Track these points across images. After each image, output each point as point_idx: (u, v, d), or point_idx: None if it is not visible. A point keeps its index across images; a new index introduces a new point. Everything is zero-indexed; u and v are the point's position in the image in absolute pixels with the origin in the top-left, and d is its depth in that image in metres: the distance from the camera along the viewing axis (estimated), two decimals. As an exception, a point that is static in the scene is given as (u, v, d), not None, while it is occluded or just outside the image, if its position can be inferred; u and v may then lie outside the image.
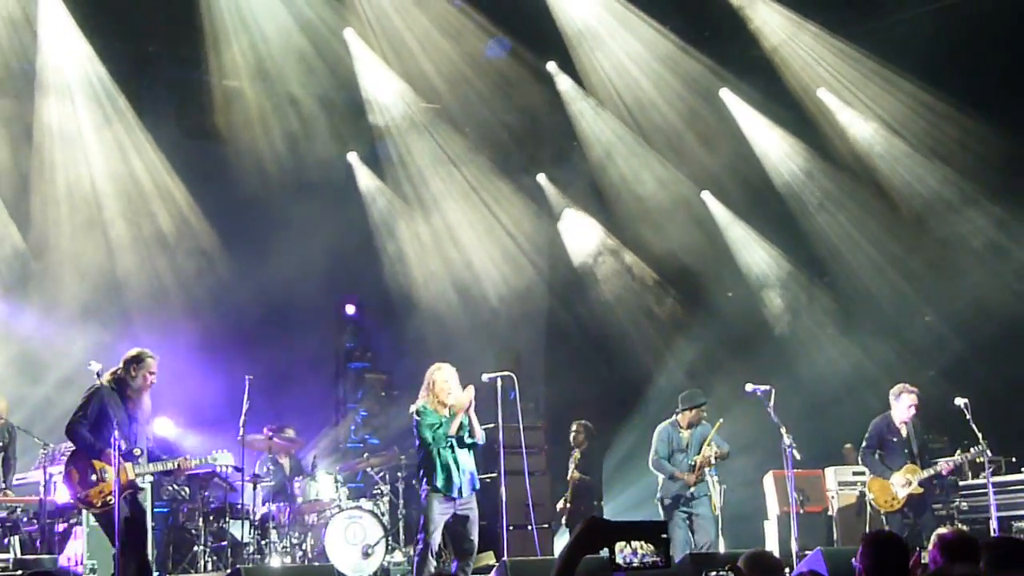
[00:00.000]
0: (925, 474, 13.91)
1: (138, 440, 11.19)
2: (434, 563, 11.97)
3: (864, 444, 14.33)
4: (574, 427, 16.23)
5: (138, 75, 17.48)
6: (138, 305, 17.25)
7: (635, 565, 4.27)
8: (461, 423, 12.18)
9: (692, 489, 13.95)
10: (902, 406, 14.20)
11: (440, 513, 11.97)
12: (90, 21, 16.63)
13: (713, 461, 14.05)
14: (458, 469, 12.08)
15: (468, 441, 12.26)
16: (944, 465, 14.04)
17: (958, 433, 15.08)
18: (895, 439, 14.17)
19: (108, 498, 10.77)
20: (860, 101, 18.71)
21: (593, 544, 4.39)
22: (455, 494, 12.01)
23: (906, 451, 14.09)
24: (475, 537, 12.14)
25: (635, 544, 4.28)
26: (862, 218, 19.22)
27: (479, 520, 12.30)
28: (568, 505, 15.86)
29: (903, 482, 13.91)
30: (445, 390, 12.28)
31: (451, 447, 12.12)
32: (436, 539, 11.96)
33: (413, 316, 19.15)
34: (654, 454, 14.34)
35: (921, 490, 13.90)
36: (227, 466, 12.06)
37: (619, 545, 4.30)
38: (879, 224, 19.04)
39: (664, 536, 4.33)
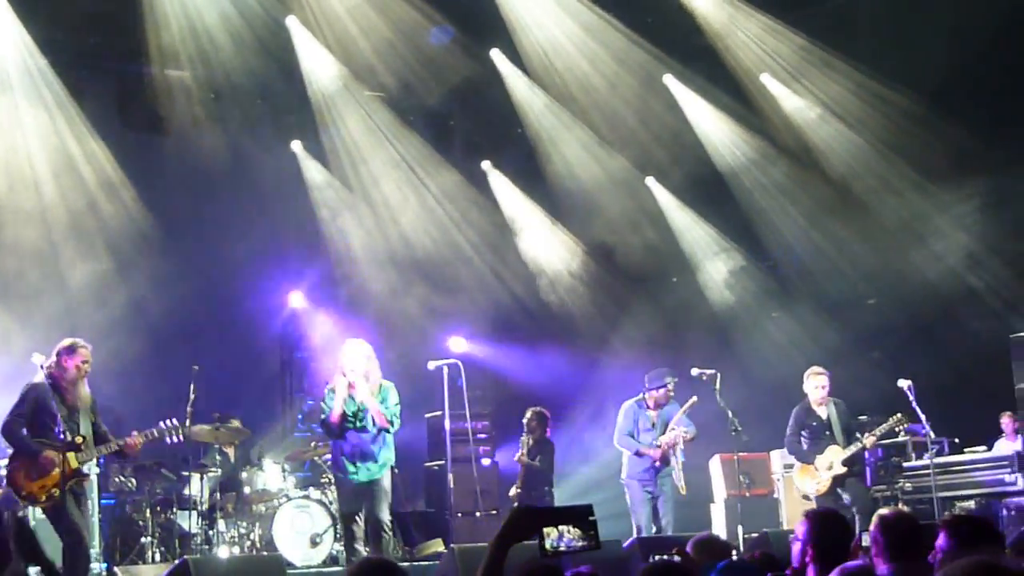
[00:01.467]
0: (847, 453, 13.79)
1: (80, 428, 11.17)
2: (362, 549, 11.99)
3: (787, 433, 14.22)
4: (528, 413, 16.27)
5: (78, 67, 17.30)
6: (80, 298, 17.11)
7: (561, 549, 4.31)
8: (351, 410, 12.19)
9: (657, 468, 13.99)
10: (811, 388, 14.12)
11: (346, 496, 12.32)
12: (29, 12, 16.47)
13: (680, 443, 14.08)
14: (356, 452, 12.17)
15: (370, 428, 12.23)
16: (868, 439, 13.86)
17: (903, 415, 15.24)
18: (815, 423, 14.08)
19: (53, 491, 10.75)
20: (803, 86, 18.80)
21: (521, 531, 4.43)
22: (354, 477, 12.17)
23: (827, 433, 13.99)
24: (381, 517, 12.07)
25: (563, 528, 4.32)
26: (805, 203, 19.33)
27: (429, 507, 12.40)
28: (519, 491, 15.93)
29: (827, 464, 13.84)
30: (346, 367, 12.25)
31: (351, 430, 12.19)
32: (353, 525, 12.14)
33: (358, 304, 19.11)
34: (618, 431, 14.36)
35: (844, 469, 13.78)
36: (173, 428, 11.93)
37: (547, 531, 4.34)
38: (822, 208, 19.16)
39: (592, 519, 4.37)
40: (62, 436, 10.89)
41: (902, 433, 15.55)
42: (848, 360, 17.74)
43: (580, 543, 4.34)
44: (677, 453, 14.23)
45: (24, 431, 10.99)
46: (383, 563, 4.81)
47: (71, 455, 10.91)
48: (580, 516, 4.37)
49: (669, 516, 14.10)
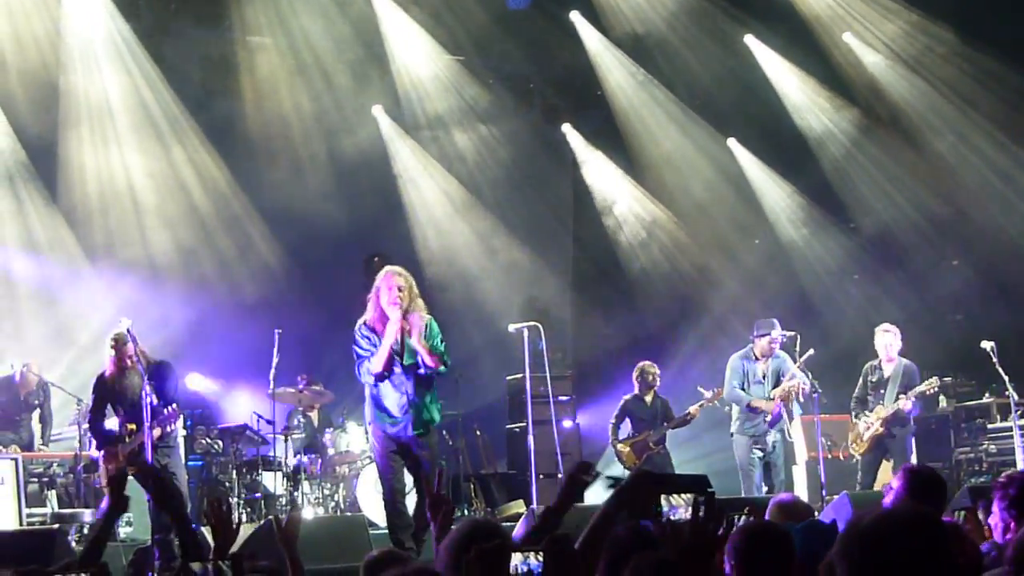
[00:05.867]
0: (885, 412, 13.69)
1: (129, 417, 11.47)
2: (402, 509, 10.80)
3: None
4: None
5: (160, 33, 17.47)
6: (167, 263, 17.39)
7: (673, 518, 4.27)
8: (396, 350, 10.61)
9: (769, 422, 13.78)
10: (878, 344, 14.05)
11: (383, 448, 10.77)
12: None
13: (799, 395, 13.86)
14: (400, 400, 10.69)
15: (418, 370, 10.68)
16: (902, 401, 13.66)
17: (986, 377, 15.09)
18: (875, 379, 14.00)
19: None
20: (885, 45, 18.60)
21: (641, 496, 4.44)
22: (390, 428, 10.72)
23: (882, 392, 13.88)
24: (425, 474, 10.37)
25: (678, 497, 4.31)
26: (887, 163, 19.13)
27: (511, 469, 12.12)
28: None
29: (866, 424, 13.79)
30: (389, 299, 10.61)
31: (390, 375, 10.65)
32: (392, 480, 10.74)
33: (438, 267, 19.18)
34: (727, 385, 14.12)
35: (882, 430, 13.70)
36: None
37: (663, 498, 4.31)
38: (904, 169, 18.95)
39: (710, 490, 4.33)
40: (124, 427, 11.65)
41: (943, 399, 15.29)
42: (930, 322, 17.60)
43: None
44: (793, 407, 14.06)
45: (98, 426, 11.85)
46: (489, 525, 4.82)
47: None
48: (698, 486, 4.34)
49: (782, 475, 13.92)
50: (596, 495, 8.61)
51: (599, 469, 17.70)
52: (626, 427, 15.04)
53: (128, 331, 11.34)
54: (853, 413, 14.14)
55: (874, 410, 13.82)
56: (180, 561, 7.80)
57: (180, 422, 11.88)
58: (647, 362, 15.25)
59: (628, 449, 14.81)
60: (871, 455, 13.82)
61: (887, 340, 13.98)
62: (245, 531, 11.13)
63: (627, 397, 15.11)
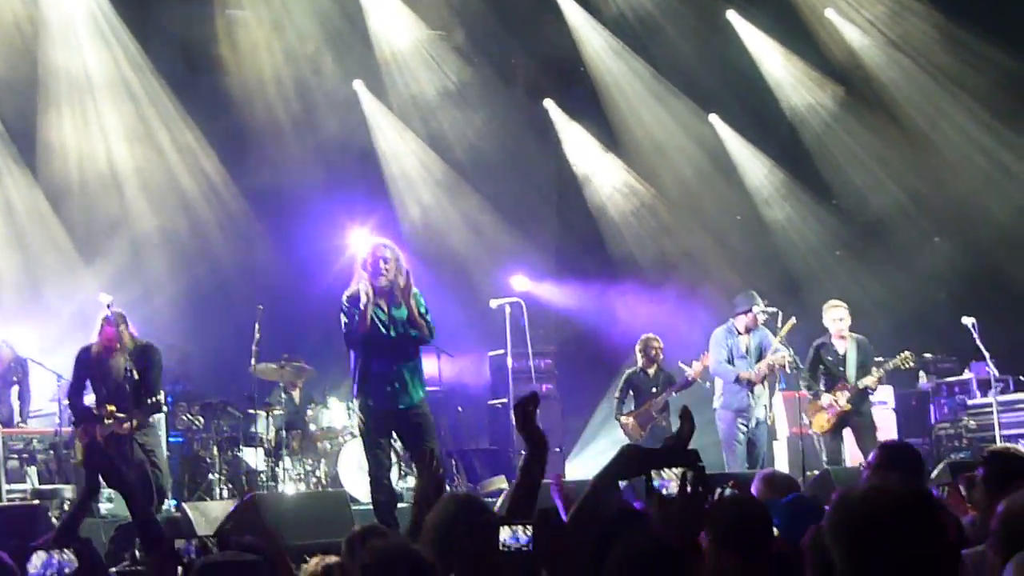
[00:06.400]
0: (852, 390, 13.46)
1: (109, 398, 11.41)
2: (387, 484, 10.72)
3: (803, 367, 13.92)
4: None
5: (141, 8, 17.37)
6: (148, 239, 17.32)
7: (664, 493, 4.24)
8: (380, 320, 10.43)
9: (751, 398, 13.68)
10: (829, 320, 13.79)
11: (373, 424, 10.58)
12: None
13: (783, 367, 13.71)
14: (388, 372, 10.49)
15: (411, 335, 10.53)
16: (871, 378, 13.47)
17: (968, 352, 15.14)
18: (831, 358, 13.74)
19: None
20: (868, 22, 18.60)
21: (628, 470, 4.42)
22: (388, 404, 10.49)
23: (840, 369, 13.65)
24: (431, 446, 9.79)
25: (667, 471, 4.26)
26: (870, 140, 19.16)
27: (492, 445, 12.13)
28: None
29: (830, 401, 13.56)
30: (373, 270, 10.39)
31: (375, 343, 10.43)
32: (379, 455, 10.58)
33: (419, 243, 19.15)
34: (712, 360, 14.01)
35: (848, 407, 13.47)
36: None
37: (653, 473, 4.28)
38: (887, 146, 18.98)
39: (700, 464, 4.30)
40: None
41: (923, 375, 15.21)
42: (913, 299, 17.64)
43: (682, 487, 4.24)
44: (775, 382, 13.99)
45: (74, 402, 11.80)
46: (471, 499, 4.80)
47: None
48: (687, 460, 4.31)
49: (763, 447, 13.83)
50: (586, 469, 8.64)
51: (577, 445, 17.79)
52: (631, 401, 15.01)
53: (123, 314, 11.36)
54: (809, 391, 13.90)
55: (835, 388, 13.60)
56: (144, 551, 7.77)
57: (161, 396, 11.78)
58: (650, 334, 15.20)
59: (632, 421, 14.80)
60: (834, 432, 13.65)
61: (839, 314, 13.75)
62: (226, 507, 11.14)
63: (630, 370, 15.08)
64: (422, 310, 10.52)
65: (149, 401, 11.07)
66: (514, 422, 4.78)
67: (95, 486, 6.53)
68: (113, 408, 11.14)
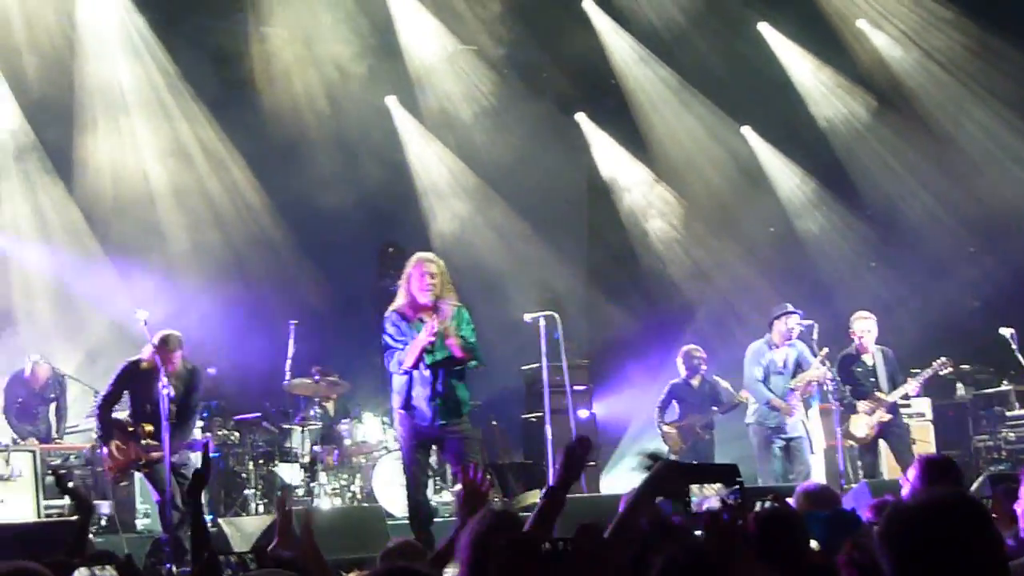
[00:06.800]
0: (891, 399, 13.51)
1: (149, 418, 11.47)
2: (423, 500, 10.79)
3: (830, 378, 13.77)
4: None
5: (174, 24, 17.47)
6: (182, 255, 17.39)
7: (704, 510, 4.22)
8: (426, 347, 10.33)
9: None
10: (856, 333, 13.81)
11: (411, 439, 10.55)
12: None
13: (829, 384, 13.51)
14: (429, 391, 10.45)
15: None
16: (910, 385, 13.57)
17: (1006, 364, 15.03)
18: (860, 369, 13.75)
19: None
20: (900, 31, 18.54)
21: (667, 487, 4.40)
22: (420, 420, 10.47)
23: (872, 380, 13.66)
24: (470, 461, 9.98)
25: (707, 488, 4.24)
26: (901, 149, 19.08)
27: (527, 459, 12.04)
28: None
29: (868, 411, 13.58)
30: (419, 285, 10.41)
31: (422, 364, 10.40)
32: (416, 471, 10.61)
33: (452, 257, 19.12)
34: (747, 375, 13.91)
35: (888, 417, 13.52)
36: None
37: (693, 489, 4.27)
38: (920, 156, 18.89)
39: (739, 479, 4.28)
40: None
41: (960, 386, 15.12)
42: (948, 309, 17.53)
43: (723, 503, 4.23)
44: (810, 396, 13.90)
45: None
46: (506, 515, 4.74)
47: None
48: (727, 475, 4.29)
49: (807, 464, 13.62)
50: (621, 483, 8.61)
51: (611, 459, 17.72)
52: (673, 411, 14.98)
53: (144, 323, 11.40)
54: (842, 403, 13.75)
55: (869, 398, 13.60)
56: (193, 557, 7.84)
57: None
58: (692, 345, 15.22)
59: (675, 431, 14.80)
60: (871, 444, 13.67)
61: (867, 326, 13.76)
62: (264, 522, 11.18)
63: (674, 381, 15.12)
64: (468, 331, 10.47)
65: (193, 435, 11.24)
66: (561, 461, 4.76)
67: (86, 509, 6.76)
68: (151, 429, 11.18)
